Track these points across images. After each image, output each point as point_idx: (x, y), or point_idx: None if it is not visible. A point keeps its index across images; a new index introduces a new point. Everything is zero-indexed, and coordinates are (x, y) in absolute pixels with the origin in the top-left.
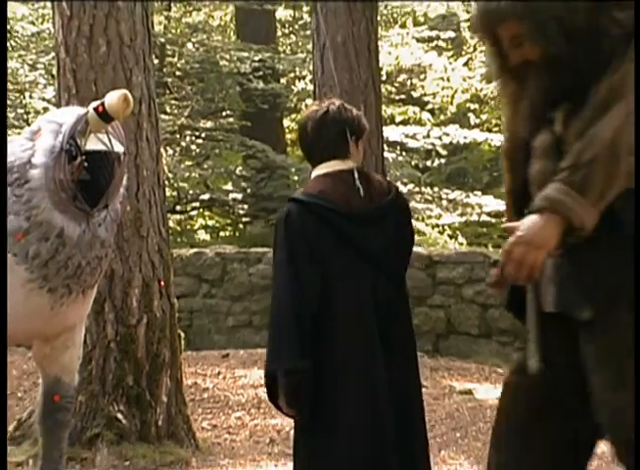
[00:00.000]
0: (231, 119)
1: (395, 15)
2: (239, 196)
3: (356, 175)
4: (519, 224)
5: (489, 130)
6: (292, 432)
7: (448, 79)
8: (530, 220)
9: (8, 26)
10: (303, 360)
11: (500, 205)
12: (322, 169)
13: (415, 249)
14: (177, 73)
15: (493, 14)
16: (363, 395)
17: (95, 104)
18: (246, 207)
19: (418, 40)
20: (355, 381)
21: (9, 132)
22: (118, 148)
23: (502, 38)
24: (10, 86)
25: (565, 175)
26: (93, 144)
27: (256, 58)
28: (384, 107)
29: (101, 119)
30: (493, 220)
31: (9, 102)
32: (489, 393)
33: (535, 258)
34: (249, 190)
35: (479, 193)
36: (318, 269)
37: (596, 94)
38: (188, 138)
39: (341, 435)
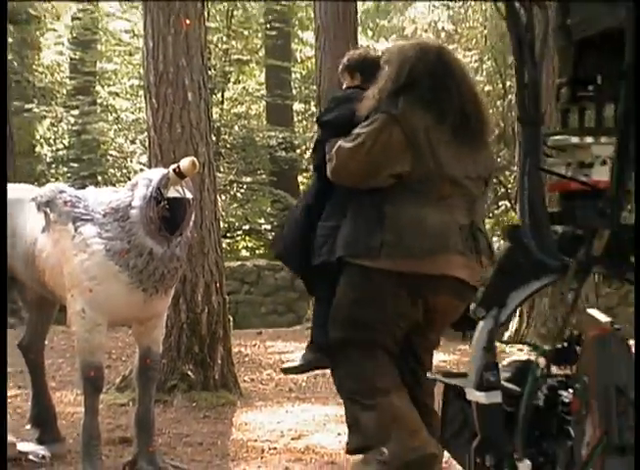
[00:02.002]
0: (263, 176)
1: None
2: (268, 227)
3: None
4: None
5: None
6: (304, 382)
7: None
8: None
9: (115, 115)
10: None
11: None
12: None
13: None
14: (227, 146)
15: None
16: None
17: (173, 166)
18: (273, 234)
19: None
20: None
21: (117, 186)
22: (189, 195)
23: None
24: (117, 154)
25: None
26: (172, 193)
27: (280, 136)
28: None
29: (177, 177)
30: None
31: (116, 165)
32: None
33: None
34: (275, 223)
35: None
36: None
37: None
38: (235, 188)
39: None
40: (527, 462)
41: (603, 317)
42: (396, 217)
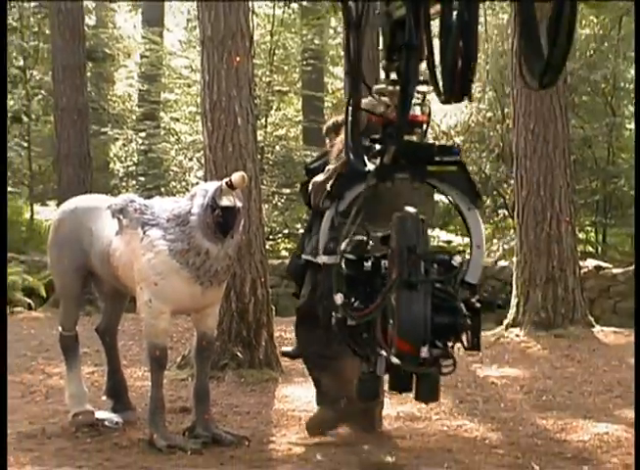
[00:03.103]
0: None
1: None
2: (303, 231)
3: None
4: None
5: None
6: None
7: None
8: None
9: (176, 137)
10: None
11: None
12: None
13: None
14: (270, 163)
15: None
16: None
17: (226, 180)
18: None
19: None
20: None
21: (178, 196)
22: (239, 204)
23: None
24: (177, 170)
25: None
26: (225, 202)
27: (314, 154)
28: None
29: (229, 188)
30: (445, 245)
31: (177, 179)
32: None
33: None
34: None
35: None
36: None
37: None
38: (276, 199)
39: None
40: (340, 294)
41: (411, 208)
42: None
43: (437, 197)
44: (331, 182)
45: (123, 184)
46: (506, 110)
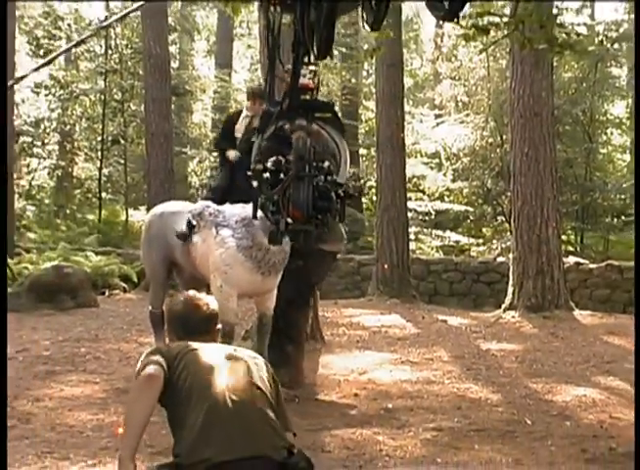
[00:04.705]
0: None
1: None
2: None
3: None
4: None
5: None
6: (367, 336)
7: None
8: None
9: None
10: None
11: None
12: None
13: (421, 257)
14: None
15: None
16: None
17: None
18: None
19: None
20: None
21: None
22: None
23: None
24: None
25: None
26: None
27: (351, 171)
28: None
29: None
30: (455, 244)
31: None
32: (454, 321)
33: None
34: (346, 229)
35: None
36: None
37: None
38: None
39: None
40: (256, 182)
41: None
42: None
43: (449, 206)
44: (259, 125)
45: (199, 193)
46: (504, 136)
